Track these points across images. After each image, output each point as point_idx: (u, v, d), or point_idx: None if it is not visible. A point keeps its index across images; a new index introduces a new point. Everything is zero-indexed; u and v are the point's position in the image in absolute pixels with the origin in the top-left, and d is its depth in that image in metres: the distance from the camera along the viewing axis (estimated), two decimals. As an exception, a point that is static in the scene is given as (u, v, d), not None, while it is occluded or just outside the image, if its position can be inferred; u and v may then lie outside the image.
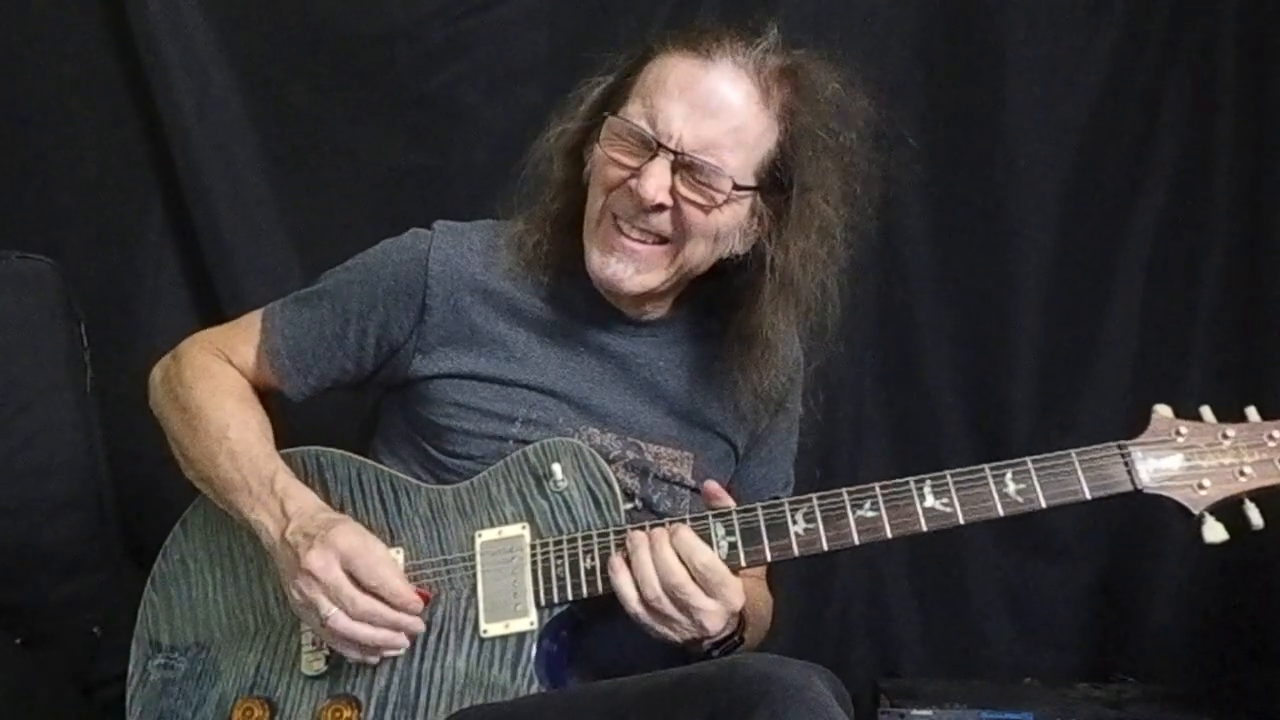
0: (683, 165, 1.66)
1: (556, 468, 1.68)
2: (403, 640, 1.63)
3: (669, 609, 1.57)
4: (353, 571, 1.60)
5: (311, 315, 1.83)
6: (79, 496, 2.20)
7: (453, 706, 1.61)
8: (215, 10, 2.41)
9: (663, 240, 1.71)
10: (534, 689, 1.61)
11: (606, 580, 1.62)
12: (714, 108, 1.65)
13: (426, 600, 1.65)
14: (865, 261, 2.43)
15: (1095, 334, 2.56)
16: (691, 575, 1.57)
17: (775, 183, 1.71)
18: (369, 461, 1.79)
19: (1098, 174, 2.54)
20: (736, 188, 1.68)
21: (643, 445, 1.80)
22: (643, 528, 1.63)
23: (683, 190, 1.67)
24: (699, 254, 1.73)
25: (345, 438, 1.87)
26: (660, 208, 1.67)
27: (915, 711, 2.31)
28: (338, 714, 1.65)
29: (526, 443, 1.72)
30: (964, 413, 2.59)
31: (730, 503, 1.66)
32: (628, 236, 1.70)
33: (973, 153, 2.54)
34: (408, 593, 1.63)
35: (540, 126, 1.84)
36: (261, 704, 1.69)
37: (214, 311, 2.42)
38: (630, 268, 1.71)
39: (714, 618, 1.58)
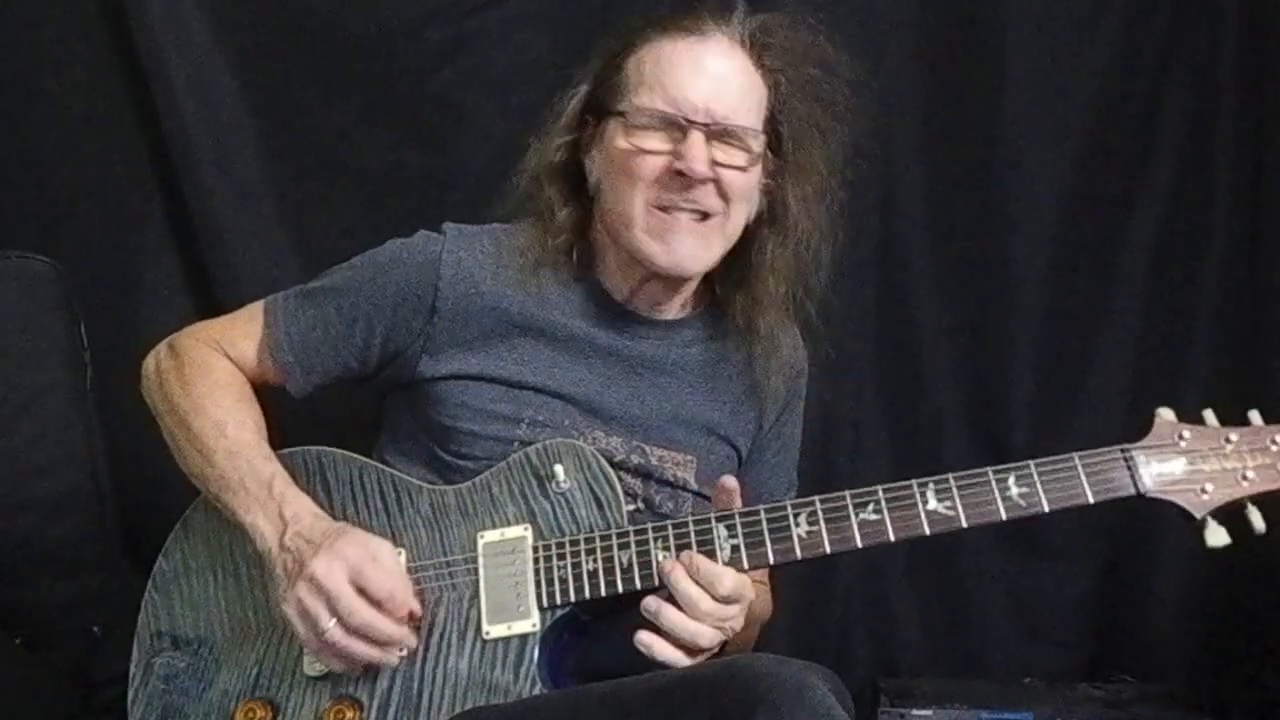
0: (715, 135, 1.71)
1: (559, 468, 1.68)
2: (394, 658, 1.62)
3: (709, 639, 1.58)
4: (361, 582, 1.59)
5: (316, 312, 1.82)
6: (79, 496, 2.19)
7: (455, 708, 1.61)
8: (215, 10, 2.40)
9: (706, 215, 1.74)
10: (536, 690, 1.61)
11: (609, 583, 1.62)
12: (724, 77, 1.74)
13: (416, 617, 1.65)
14: (865, 261, 2.46)
15: (1095, 334, 2.56)
16: (717, 601, 1.58)
17: (775, 137, 1.79)
18: (371, 462, 1.79)
19: (1098, 174, 2.54)
20: (765, 145, 1.77)
21: (647, 448, 1.81)
22: (644, 528, 1.64)
23: (720, 158, 1.72)
24: (741, 218, 1.79)
25: (345, 437, 1.86)
26: (706, 180, 1.71)
27: (915, 711, 2.31)
28: (340, 715, 1.65)
29: (531, 444, 1.72)
30: (963, 413, 2.59)
31: (739, 504, 1.67)
32: (682, 213, 1.73)
33: (973, 153, 2.54)
34: (409, 607, 1.63)
35: (538, 129, 1.84)
36: (264, 705, 1.68)
37: (214, 312, 2.39)
38: (692, 245, 1.75)
39: (740, 619, 1.62)
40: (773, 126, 1.80)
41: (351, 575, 1.59)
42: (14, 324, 2.17)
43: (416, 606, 1.64)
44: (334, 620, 1.58)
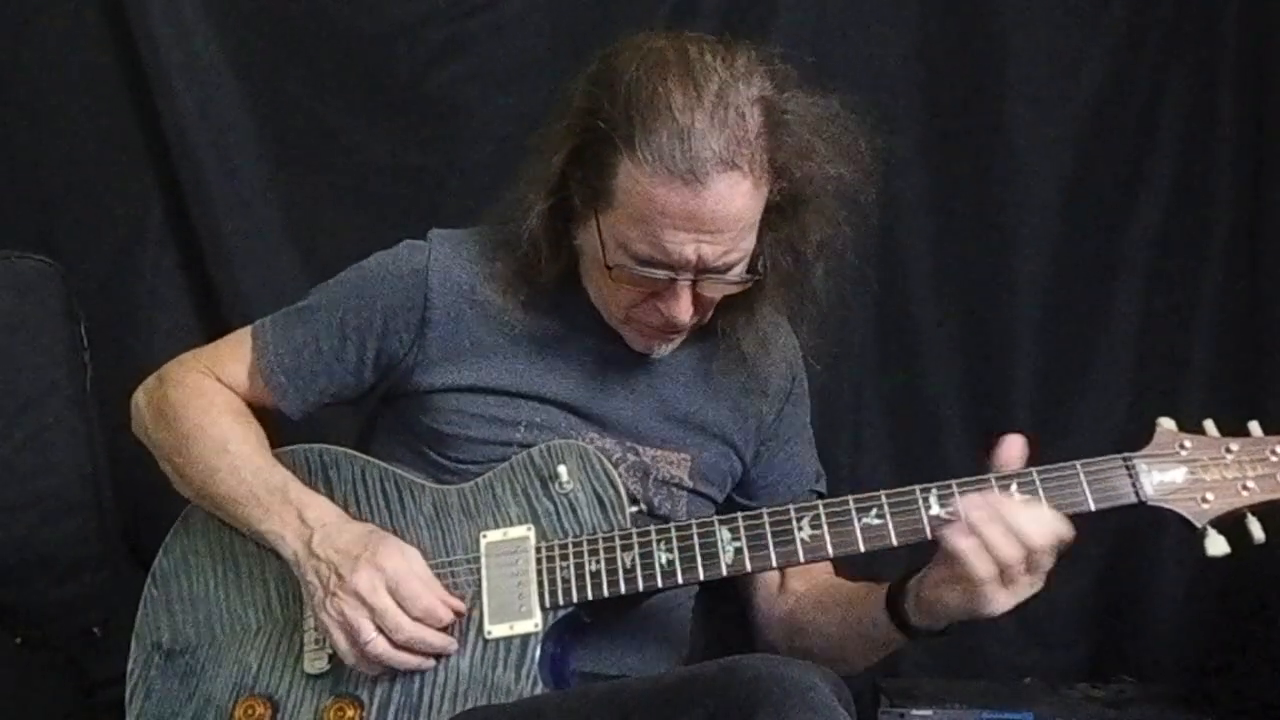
0: (703, 277, 1.64)
1: (562, 469, 1.68)
2: (431, 664, 1.63)
3: (1023, 575, 1.59)
4: (398, 596, 1.59)
5: (306, 332, 1.80)
6: (79, 496, 2.19)
7: (456, 707, 1.61)
8: (215, 10, 2.41)
9: None
10: (537, 690, 1.60)
11: (612, 584, 1.62)
12: (720, 224, 1.59)
13: (460, 615, 1.65)
14: (865, 263, 2.45)
15: (1095, 337, 2.56)
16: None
17: (777, 210, 1.69)
18: (373, 460, 1.78)
19: (1098, 176, 2.54)
20: (751, 271, 1.68)
21: (641, 449, 1.80)
22: (647, 530, 1.63)
23: (705, 292, 1.67)
24: (717, 307, 1.75)
25: (341, 442, 1.86)
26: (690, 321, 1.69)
27: (915, 711, 2.31)
28: (340, 713, 1.65)
29: (529, 447, 1.72)
30: (963, 412, 2.59)
31: (1018, 461, 1.63)
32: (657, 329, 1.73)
33: (973, 154, 2.54)
34: (447, 617, 1.63)
35: (539, 127, 1.83)
36: (263, 702, 1.68)
37: (214, 312, 2.43)
38: (668, 347, 1.78)
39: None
40: (774, 204, 1.67)
41: (390, 588, 1.59)
42: (14, 324, 2.17)
43: (459, 606, 1.64)
44: (376, 635, 1.58)
